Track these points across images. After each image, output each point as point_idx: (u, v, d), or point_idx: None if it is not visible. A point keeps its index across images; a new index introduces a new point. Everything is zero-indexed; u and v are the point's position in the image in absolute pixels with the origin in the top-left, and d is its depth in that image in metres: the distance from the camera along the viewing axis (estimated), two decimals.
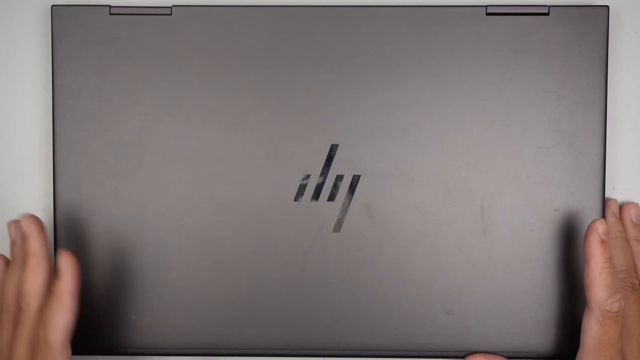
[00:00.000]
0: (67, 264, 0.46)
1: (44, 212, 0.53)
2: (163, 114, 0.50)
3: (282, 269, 0.50)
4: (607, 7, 0.50)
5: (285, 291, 0.50)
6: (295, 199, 0.50)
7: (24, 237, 0.48)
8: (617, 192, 0.53)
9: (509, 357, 0.50)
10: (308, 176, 0.50)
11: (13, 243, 0.50)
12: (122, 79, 0.50)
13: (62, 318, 0.46)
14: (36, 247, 0.47)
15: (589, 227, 0.46)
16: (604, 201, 0.50)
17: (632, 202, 0.52)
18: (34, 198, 0.53)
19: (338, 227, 0.50)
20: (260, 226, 0.50)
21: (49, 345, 0.45)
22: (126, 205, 0.50)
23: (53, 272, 0.48)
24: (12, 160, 0.53)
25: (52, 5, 0.50)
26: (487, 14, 0.50)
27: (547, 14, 0.50)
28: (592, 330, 0.46)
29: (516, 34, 0.50)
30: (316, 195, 0.50)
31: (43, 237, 0.48)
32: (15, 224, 0.50)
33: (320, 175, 0.50)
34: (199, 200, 0.50)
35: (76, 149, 0.50)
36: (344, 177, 0.50)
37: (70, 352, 0.47)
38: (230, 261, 0.50)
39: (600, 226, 0.46)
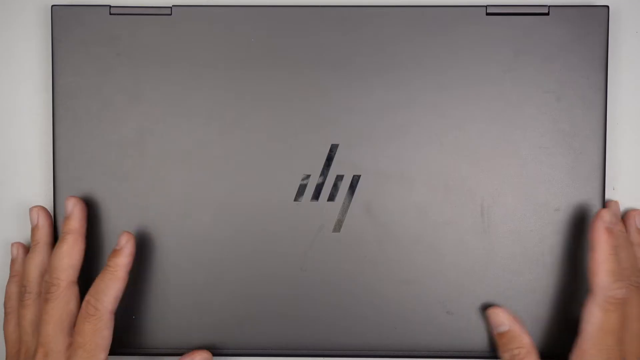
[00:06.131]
0: (125, 241, 0.48)
1: None
2: (163, 114, 0.50)
3: (282, 268, 0.50)
4: (607, 7, 0.50)
5: (285, 291, 0.50)
6: (295, 199, 0.50)
7: (65, 216, 0.50)
8: (617, 192, 0.53)
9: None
10: (308, 176, 0.50)
11: (34, 228, 0.51)
12: (122, 79, 0.50)
13: (114, 290, 0.48)
14: (75, 225, 0.49)
15: (596, 214, 0.47)
16: (604, 201, 0.50)
17: (637, 209, 0.52)
18: (34, 198, 0.53)
19: (338, 227, 0.50)
20: (260, 226, 0.50)
21: (98, 313, 0.47)
22: (126, 205, 0.50)
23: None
24: (12, 160, 0.53)
25: (52, 5, 0.50)
26: (487, 14, 0.50)
27: (547, 14, 0.50)
28: (594, 316, 0.46)
29: (516, 34, 0.50)
30: (316, 195, 0.50)
31: (83, 217, 0.49)
32: (37, 209, 0.51)
33: (320, 175, 0.50)
34: (199, 200, 0.50)
35: (76, 149, 0.50)
36: (344, 177, 0.50)
37: (113, 325, 0.48)
38: (230, 261, 0.50)
39: (607, 215, 0.46)
